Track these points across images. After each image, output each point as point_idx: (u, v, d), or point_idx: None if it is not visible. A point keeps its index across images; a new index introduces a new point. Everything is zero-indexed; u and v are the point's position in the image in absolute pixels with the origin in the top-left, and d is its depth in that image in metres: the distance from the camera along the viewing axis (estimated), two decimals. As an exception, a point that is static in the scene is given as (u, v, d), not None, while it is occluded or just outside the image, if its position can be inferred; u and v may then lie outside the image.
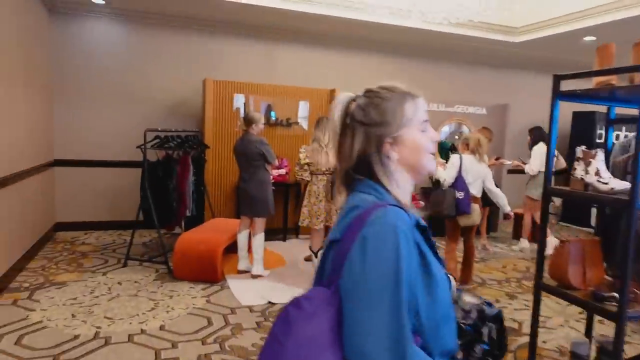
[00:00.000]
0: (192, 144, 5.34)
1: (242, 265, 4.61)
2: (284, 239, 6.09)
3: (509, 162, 6.30)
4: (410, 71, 7.61)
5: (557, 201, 8.80)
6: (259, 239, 4.50)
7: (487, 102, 7.44)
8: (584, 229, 8.04)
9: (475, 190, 4.59)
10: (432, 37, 6.68)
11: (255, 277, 4.50)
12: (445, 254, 4.56)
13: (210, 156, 5.86)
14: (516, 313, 4.05)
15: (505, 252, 6.14)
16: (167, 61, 6.32)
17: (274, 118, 6.19)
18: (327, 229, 4.98)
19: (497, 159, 6.23)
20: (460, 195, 4.47)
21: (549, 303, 4.30)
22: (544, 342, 3.49)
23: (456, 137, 7.10)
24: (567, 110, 8.63)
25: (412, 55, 7.59)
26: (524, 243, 6.17)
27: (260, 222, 4.51)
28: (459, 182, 4.54)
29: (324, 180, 4.22)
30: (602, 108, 9.36)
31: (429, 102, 7.20)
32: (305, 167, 4.21)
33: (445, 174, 4.62)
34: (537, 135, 6.09)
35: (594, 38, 6.35)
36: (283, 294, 4.13)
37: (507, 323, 3.85)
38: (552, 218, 6.96)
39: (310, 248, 4.38)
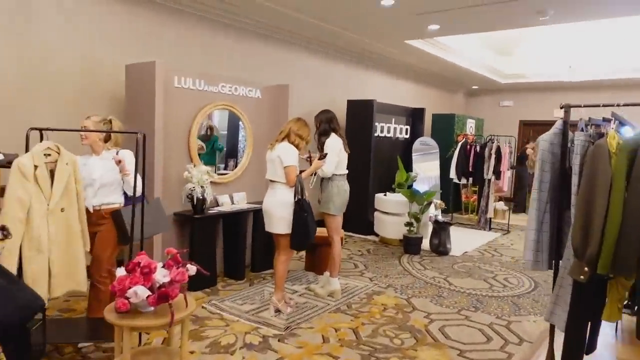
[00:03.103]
0: None
1: None
2: None
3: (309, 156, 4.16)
4: (147, 28, 4.76)
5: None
6: None
7: (262, 82, 5.29)
8: (368, 237, 6.89)
9: None
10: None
11: None
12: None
13: None
14: None
15: (310, 302, 4.11)
16: None
17: None
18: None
19: (308, 158, 4.09)
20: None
21: None
22: None
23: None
24: (341, 97, 7.34)
25: (148, 3, 4.75)
26: (334, 283, 4.26)
27: None
28: None
29: None
30: (381, 97, 7.74)
31: (180, 76, 4.50)
32: None
33: None
34: (325, 122, 4.20)
35: (392, 2, 4.92)
36: None
37: None
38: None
39: None
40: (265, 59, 6.20)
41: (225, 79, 4.73)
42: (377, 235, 6.80)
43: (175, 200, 4.32)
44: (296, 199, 3.57)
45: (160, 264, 2.32)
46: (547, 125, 11.15)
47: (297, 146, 3.68)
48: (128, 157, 2.96)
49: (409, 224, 6.00)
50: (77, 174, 2.60)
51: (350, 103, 7.17)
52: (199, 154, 4.86)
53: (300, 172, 3.74)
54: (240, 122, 4.99)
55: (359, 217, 6.90)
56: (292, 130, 3.69)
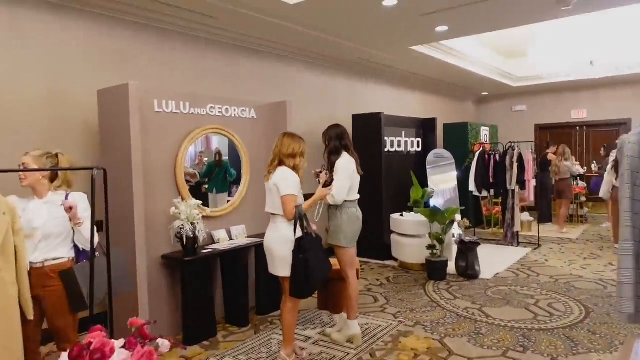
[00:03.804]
0: None
1: None
2: None
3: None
4: (122, 48, 4.26)
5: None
6: None
7: (257, 100, 4.77)
8: (387, 262, 6.25)
9: None
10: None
11: None
12: None
13: None
14: None
15: (326, 353, 3.47)
16: None
17: None
18: None
19: (318, 174, 3.53)
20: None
21: None
22: None
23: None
24: (345, 112, 6.82)
25: (119, 20, 4.28)
26: (354, 327, 3.61)
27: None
28: None
29: None
30: (387, 109, 7.07)
31: (161, 99, 3.90)
32: None
33: None
34: (335, 139, 3.57)
35: (395, 1, 4.40)
36: None
37: None
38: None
39: None
40: (258, 75, 5.70)
41: (214, 100, 4.20)
42: (395, 260, 6.16)
43: (162, 241, 3.74)
44: (297, 236, 2.97)
45: (120, 343, 1.73)
46: (565, 127, 10.37)
47: (294, 168, 3.10)
48: (81, 202, 2.39)
49: (431, 247, 5.36)
50: (15, 224, 2.04)
51: (356, 118, 6.62)
52: (209, 182, 4.39)
53: (309, 195, 3.16)
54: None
55: (375, 241, 6.26)
56: (282, 154, 3.10)
